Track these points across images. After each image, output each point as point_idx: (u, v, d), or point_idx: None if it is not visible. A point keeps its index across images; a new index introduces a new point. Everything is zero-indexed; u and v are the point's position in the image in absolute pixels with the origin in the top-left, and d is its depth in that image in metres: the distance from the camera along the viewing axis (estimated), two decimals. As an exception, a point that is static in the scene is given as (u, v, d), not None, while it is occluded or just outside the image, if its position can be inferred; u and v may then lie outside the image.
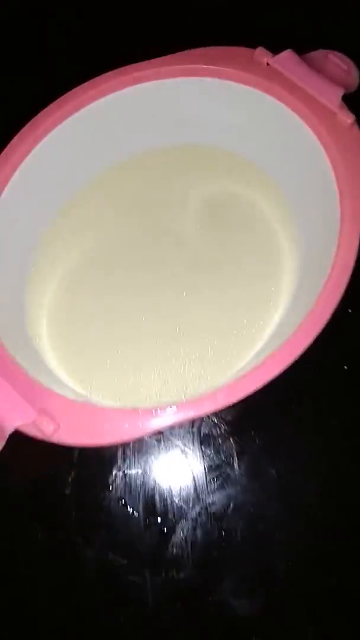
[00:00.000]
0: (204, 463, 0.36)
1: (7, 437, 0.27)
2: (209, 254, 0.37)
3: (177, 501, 0.35)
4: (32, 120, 0.34)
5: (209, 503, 0.35)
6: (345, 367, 0.37)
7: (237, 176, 0.38)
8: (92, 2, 0.48)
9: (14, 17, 0.48)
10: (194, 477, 0.35)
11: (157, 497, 0.35)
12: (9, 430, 0.27)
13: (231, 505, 0.35)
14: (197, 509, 0.35)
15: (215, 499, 0.35)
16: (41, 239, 0.38)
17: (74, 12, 0.48)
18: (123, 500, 0.35)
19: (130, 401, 0.34)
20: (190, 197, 0.39)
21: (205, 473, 0.35)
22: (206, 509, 0.35)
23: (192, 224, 0.38)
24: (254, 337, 0.35)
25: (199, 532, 0.34)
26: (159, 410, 0.27)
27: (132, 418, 0.27)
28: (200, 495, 0.35)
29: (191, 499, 0.35)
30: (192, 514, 0.35)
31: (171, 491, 0.35)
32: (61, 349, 0.36)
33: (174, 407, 0.27)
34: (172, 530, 0.34)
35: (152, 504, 0.35)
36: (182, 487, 0.35)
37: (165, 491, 0.35)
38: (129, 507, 0.35)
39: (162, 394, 0.34)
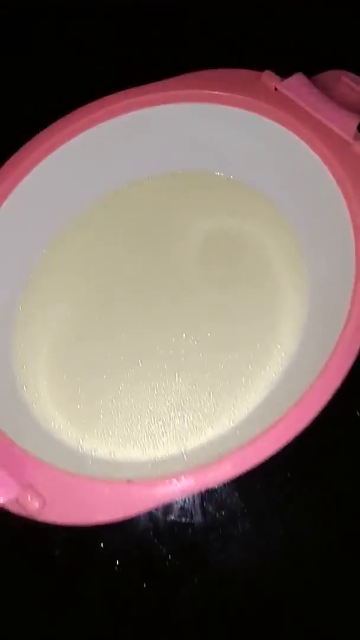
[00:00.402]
0: (206, 520, 0.33)
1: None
2: (210, 293, 0.35)
3: (176, 563, 0.32)
4: (22, 148, 0.31)
5: (211, 566, 0.32)
6: (358, 413, 0.35)
7: (242, 207, 0.35)
8: (90, 24, 0.45)
9: (9, 35, 0.45)
10: (194, 536, 0.33)
11: (154, 558, 0.33)
12: (-10, 508, 0.24)
13: (235, 568, 0.32)
14: (198, 572, 0.32)
15: (218, 560, 0.32)
16: (28, 278, 0.35)
17: (73, 30, 0.44)
18: (117, 562, 0.32)
19: (125, 455, 0.32)
20: (190, 229, 0.36)
21: (207, 531, 0.33)
22: (208, 572, 0.32)
23: (192, 259, 0.35)
24: (259, 383, 0.33)
25: (200, 599, 0.32)
26: (158, 485, 0.24)
27: (128, 494, 0.24)
28: (202, 557, 0.32)
29: (191, 559, 0.32)
30: (193, 578, 0.32)
31: (169, 552, 0.32)
32: (50, 397, 0.33)
33: (175, 481, 0.24)
34: (170, 595, 0.32)
35: (149, 565, 0.32)
36: (182, 547, 0.33)
37: (162, 552, 0.32)
38: (123, 568, 0.32)
39: (159, 447, 0.32)
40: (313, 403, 0.26)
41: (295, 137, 0.31)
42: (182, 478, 0.24)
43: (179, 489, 0.24)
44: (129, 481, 0.25)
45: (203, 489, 0.25)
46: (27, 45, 0.44)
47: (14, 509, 0.24)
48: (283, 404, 0.30)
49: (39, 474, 0.25)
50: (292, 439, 0.25)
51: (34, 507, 0.24)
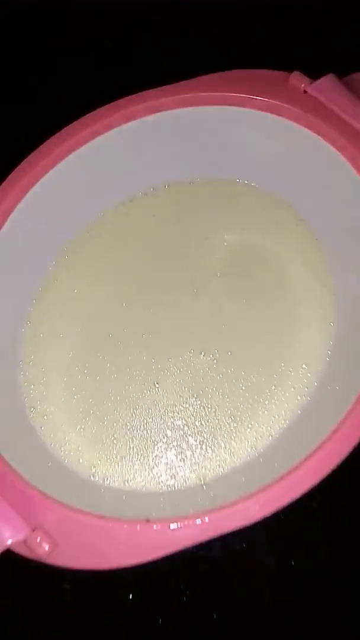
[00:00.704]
0: (226, 552, 0.31)
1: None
2: (231, 308, 0.32)
3: (194, 598, 0.30)
4: (32, 154, 0.29)
5: (231, 602, 0.30)
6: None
7: (265, 217, 0.33)
8: (100, 24, 0.42)
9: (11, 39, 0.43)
10: (213, 570, 0.31)
11: (170, 592, 0.30)
12: (-5, 551, 0.22)
13: (258, 607, 0.30)
14: (217, 608, 0.30)
15: (239, 596, 0.30)
16: (37, 291, 0.33)
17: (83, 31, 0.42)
18: (130, 595, 0.30)
19: (139, 485, 0.29)
20: (210, 240, 0.33)
21: (227, 565, 0.31)
22: (228, 608, 0.30)
23: (211, 271, 0.33)
24: (284, 406, 0.31)
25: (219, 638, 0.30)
26: (180, 526, 0.22)
27: (146, 536, 0.22)
28: (221, 592, 0.30)
29: (210, 595, 0.30)
30: (212, 614, 0.30)
31: (187, 587, 0.30)
32: (59, 421, 0.31)
33: (199, 521, 0.22)
34: (188, 633, 0.30)
35: (164, 600, 0.30)
36: (200, 581, 0.30)
37: (179, 586, 0.30)
38: (136, 602, 0.30)
39: (177, 476, 0.30)
40: (354, 431, 0.24)
41: (326, 144, 0.28)
42: (206, 518, 0.22)
43: (203, 531, 0.22)
44: (147, 521, 0.23)
45: (230, 531, 0.22)
46: (47, 45, 0.42)
47: (21, 551, 0.22)
48: (312, 430, 0.28)
49: (49, 512, 0.23)
50: (330, 472, 0.23)
51: (43, 550, 0.22)
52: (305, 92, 0.29)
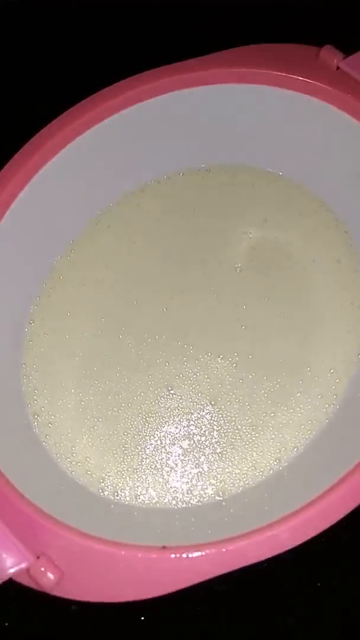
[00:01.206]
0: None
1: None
2: (252, 308, 0.30)
3: (210, 621, 0.28)
4: (26, 144, 0.26)
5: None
6: None
7: (289, 208, 0.30)
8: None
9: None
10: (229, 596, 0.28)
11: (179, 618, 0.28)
12: (-4, 582, 0.20)
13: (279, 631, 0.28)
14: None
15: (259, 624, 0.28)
16: (40, 290, 0.31)
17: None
18: (143, 617, 0.28)
19: (152, 500, 0.27)
20: (228, 233, 0.31)
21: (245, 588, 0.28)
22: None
23: (230, 267, 0.30)
24: (310, 416, 0.28)
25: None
26: (202, 555, 0.20)
27: (163, 567, 0.20)
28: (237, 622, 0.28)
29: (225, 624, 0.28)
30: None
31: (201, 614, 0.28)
32: (66, 429, 0.28)
33: (223, 550, 0.20)
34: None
35: (174, 626, 0.28)
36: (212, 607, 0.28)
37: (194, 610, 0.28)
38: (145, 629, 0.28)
39: (194, 491, 0.27)
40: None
41: (360, 126, 0.26)
42: (230, 547, 0.20)
43: (227, 560, 0.20)
44: (164, 547, 0.20)
45: (256, 561, 0.20)
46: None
47: (24, 581, 0.20)
48: (342, 442, 0.26)
49: (54, 537, 0.20)
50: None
51: (49, 581, 0.19)
52: (338, 68, 0.26)
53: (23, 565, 0.20)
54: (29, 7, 0.39)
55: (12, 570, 0.20)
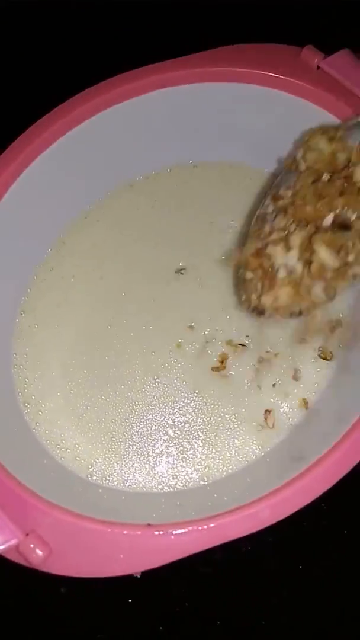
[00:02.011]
0: (229, 555, 0.29)
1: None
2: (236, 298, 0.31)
3: (196, 603, 0.29)
4: (19, 138, 0.27)
5: (235, 607, 0.29)
6: None
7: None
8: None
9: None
10: (216, 574, 0.29)
11: (171, 597, 0.29)
12: (-15, 558, 0.21)
13: (262, 612, 0.29)
14: (221, 615, 0.29)
15: (243, 601, 0.29)
16: (32, 280, 0.31)
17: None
18: (130, 600, 0.29)
19: (139, 485, 0.28)
20: (214, 227, 0.32)
21: (230, 568, 0.29)
22: (232, 614, 0.29)
23: (216, 260, 0.31)
24: (290, 405, 0.29)
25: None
26: (185, 532, 0.21)
27: (148, 543, 0.21)
28: (225, 597, 0.29)
29: (213, 599, 0.29)
30: (216, 621, 0.28)
31: (188, 591, 0.29)
32: (55, 417, 0.29)
33: (205, 527, 0.21)
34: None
35: (165, 605, 0.29)
36: (202, 586, 0.29)
37: (181, 591, 0.29)
38: (136, 608, 0.29)
39: (179, 476, 0.28)
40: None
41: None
42: (212, 525, 0.21)
43: (209, 538, 0.21)
44: (149, 525, 0.21)
45: (236, 537, 0.21)
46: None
47: (14, 557, 0.21)
48: (323, 430, 0.27)
49: (43, 515, 0.21)
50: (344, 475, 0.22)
51: (37, 557, 0.20)
52: (318, 67, 0.27)
53: (12, 542, 0.20)
54: (27, 8, 0.39)
55: (1, 547, 0.20)
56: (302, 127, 0.28)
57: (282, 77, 0.27)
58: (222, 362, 0.30)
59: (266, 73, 0.27)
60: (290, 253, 0.23)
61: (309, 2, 0.34)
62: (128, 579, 0.29)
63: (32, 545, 0.20)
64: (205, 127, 0.30)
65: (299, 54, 0.27)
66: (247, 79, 0.28)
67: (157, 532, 0.21)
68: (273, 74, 0.27)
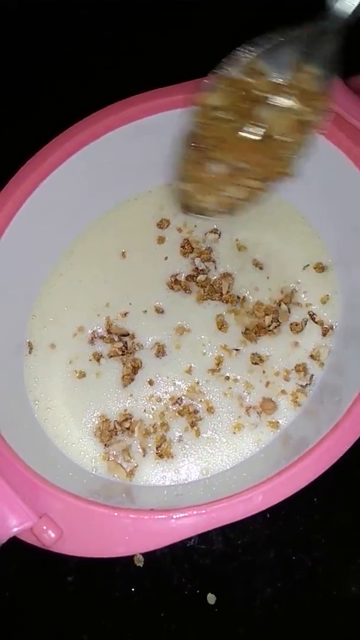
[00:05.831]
0: (227, 547, 0.31)
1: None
2: (233, 309, 0.33)
3: (195, 592, 0.30)
4: (29, 160, 0.29)
5: (232, 596, 0.30)
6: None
7: (267, 217, 0.33)
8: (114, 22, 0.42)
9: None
10: (214, 564, 0.31)
11: (172, 586, 0.31)
12: (3, 539, 0.22)
13: (257, 600, 0.30)
14: (219, 603, 0.30)
15: (239, 591, 0.30)
16: (42, 284, 0.33)
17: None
18: (133, 589, 0.31)
19: (142, 478, 0.30)
20: (211, 237, 0.34)
21: (228, 559, 0.31)
22: (229, 602, 0.30)
23: (215, 269, 0.33)
24: (285, 404, 0.31)
25: (219, 631, 0.30)
26: (185, 516, 0.23)
27: (151, 526, 0.23)
28: (222, 586, 0.31)
29: (212, 589, 0.31)
30: (214, 609, 0.30)
31: (188, 580, 0.31)
32: (62, 416, 0.31)
33: (203, 511, 0.23)
34: (189, 627, 0.30)
35: (166, 593, 0.31)
36: (201, 575, 0.31)
37: (181, 580, 0.31)
38: (139, 596, 0.30)
39: (180, 470, 0.30)
40: (355, 426, 0.24)
41: (330, 144, 0.29)
42: (210, 509, 0.23)
43: (207, 520, 0.23)
44: (152, 510, 0.23)
45: (233, 521, 0.23)
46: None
47: (27, 539, 0.23)
48: (315, 426, 0.28)
49: (55, 500, 0.23)
50: (332, 464, 0.24)
51: (49, 538, 0.22)
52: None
53: (27, 524, 0.22)
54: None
55: (17, 529, 0.22)
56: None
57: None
58: (218, 364, 0.32)
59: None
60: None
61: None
62: (131, 569, 0.31)
63: (45, 527, 0.22)
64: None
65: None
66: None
67: (159, 517, 0.23)
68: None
